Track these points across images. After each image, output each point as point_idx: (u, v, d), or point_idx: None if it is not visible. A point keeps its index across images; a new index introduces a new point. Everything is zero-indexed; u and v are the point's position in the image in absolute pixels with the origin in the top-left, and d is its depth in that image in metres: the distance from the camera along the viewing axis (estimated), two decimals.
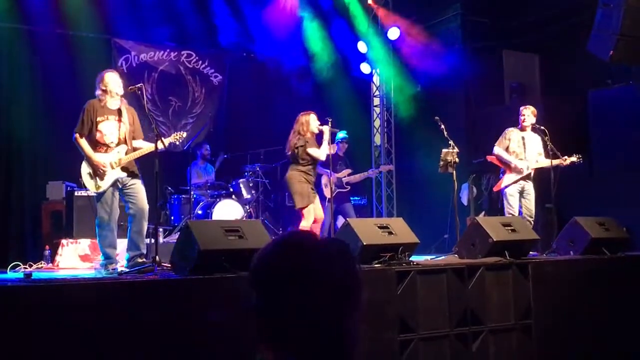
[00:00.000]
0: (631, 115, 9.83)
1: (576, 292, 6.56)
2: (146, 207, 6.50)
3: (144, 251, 6.51)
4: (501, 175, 8.75)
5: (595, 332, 6.54)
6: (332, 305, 1.45)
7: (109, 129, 6.50)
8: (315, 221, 7.98)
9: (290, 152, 8.08)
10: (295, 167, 8.02)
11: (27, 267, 7.26)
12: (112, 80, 6.55)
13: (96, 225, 6.47)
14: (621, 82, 10.13)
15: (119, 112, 6.58)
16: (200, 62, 11.75)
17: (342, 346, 1.47)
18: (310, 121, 8.00)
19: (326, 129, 7.99)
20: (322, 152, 7.93)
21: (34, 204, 9.66)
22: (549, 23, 11.05)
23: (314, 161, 8.01)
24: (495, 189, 8.72)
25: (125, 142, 6.59)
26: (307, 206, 7.85)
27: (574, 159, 8.47)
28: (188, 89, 11.64)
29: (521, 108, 8.82)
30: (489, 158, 8.88)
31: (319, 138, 8.10)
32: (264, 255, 1.52)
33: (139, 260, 6.31)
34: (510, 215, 8.22)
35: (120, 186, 6.51)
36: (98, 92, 6.56)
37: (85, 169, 6.45)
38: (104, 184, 6.41)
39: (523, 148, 8.63)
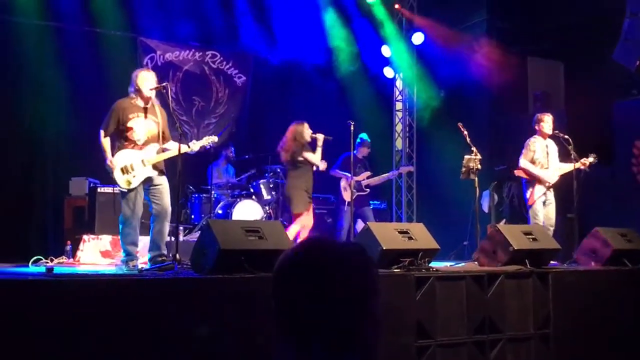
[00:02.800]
0: None
1: (596, 303, 6.50)
2: (169, 207, 6.54)
3: (165, 252, 6.55)
4: (525, 186, 8.65)
5: (614, 344, 6.48)
6: (351, 309, 1.48)
7: (139, 126, 6.53)
8: (303, 227, 8.36)
9: (288, 159, 8.50)
10: (294, 173, 8.48)
11: (48, 261, 7.31)
12: (146, 81, 6.57)
13: (119, 221, 6.51)
14: None
15: (151, 110, 6.62)
16: (225, 62, 11.80)
17: (362, 349, 1.48)
18: (304, 130, 8.44)
19: (320, 137, 8.39)
20: (316, 158, 8.37)
21: (57, 199, 9.73)
22: (575, 31, 10.97)
23: (310, 166, 8.38)
24: (530, 203, 8.57)
25: (158, 141, 6.62)
26: (302, 213, 8.29)
27: (590, 159, 8.38)
28: (212, 89, 11.70)
29: (541, 115, 8.72)
30: (517, 172, 8.74)
31: (312, 146, 8.54)
32: (285, 259, 1.55)
33: (159, 259, 6.34)
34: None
35: (146, 185, 6.56)
36: (131, 89, 6.60)
37: (118, 164, 6.49)
38: (135, 181, 6.43)
39: (547, 157, 8.55)
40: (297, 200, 8.37)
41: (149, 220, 6.63)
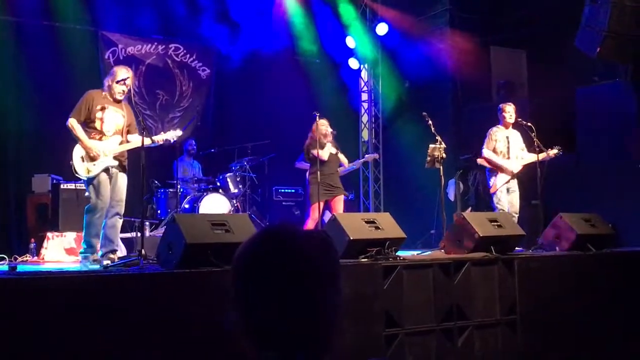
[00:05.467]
0: (617, 112, 9.87)
1: (561, 288, 6.59)
2: (123, 202, 6.57)
3: (117, 247, 6.54)
4: (488, 174, 8.78)
5: (580, 328, 6.57)
6: (311, 295, 1.44)
7: (108, 117, 6.57)
8: (315, 218, 8.54)
9: (305, 155, 8.81)
10: (310, 169, 8.75)
11: (12, 260, 7.20)
12: (120, 78, 6.59)
13: (85, 212, 6.47)
14: (608, 79, 10.17)
15: (119, 104, 6.66)
16: (188, 55, 11.70)
17: (323, 337, 1.46)
18: (318, 126, 8.50)
19: (329, 133, 8.59)
20: (323, 153, 8.49)
21: (20, 196, 9.60)
22: (537, 20, 11.08)
23: (319, 161, 8.41)
24: (492, 191, 8.70)
25: (121, 134, 6.64)
26: (312, 204, 8.51)
27: (555, 151, 8.48)
28: (175, 82, 11.60)
29: (503, 105, 8.80)
30: (479, 161, 8.90)
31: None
32: (244, 246, 1.51)
33: (111, 256, 6.34)
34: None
35: (111, 175, 6.52)
36: (106, 83, 6.65)
37: (77, 152, 6.48)
38: (95, 169, 6.43)
39: (507, 147, 8.67)
40: (310, 193, 8.64)
41: None
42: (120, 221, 6.59)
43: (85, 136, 6.47)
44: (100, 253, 6.47)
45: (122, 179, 6.61)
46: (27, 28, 9.90)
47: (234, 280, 1.49)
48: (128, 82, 6.66)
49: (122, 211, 6.55)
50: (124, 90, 6.64)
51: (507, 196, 8.57)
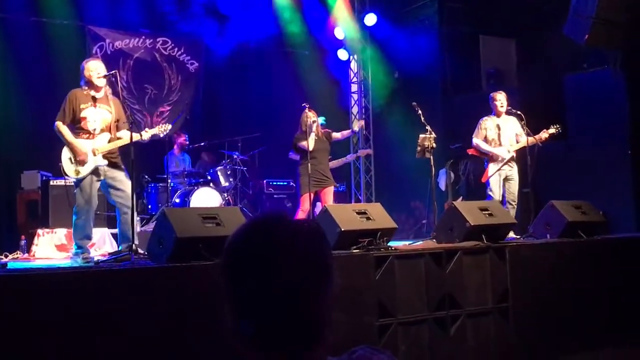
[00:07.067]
0: (607, 100, 9.88)
1: (553, 275, 6.60)
2: (128, 197, 6.44)
3: (132, 242, 6.45)
4: (485, 164, 8.79)
5: (571, 315, 6.60)
6: (302, 286, 1.42)
7: (92, 115, 6.47)
8: (305, 210, 8.63)
9: (293, 147, 8.83)
10: (300, 161, 8.71)
11: (2, 257, 7.19)
12: (93, 70, 6.48)
13: (73, 212, 6.41)
14: (597, 66, 10.18)
15: (104, 100, 6.55)
16: (176, 49, 11.65)
17: (316, 329, 1.44)
18: (303, 116, 8.54)
19: (315, 123, 8.58)
20: (308, 143, 8.36)
21: (9, 193, 9.55)
22: (525, 8, 11.08)
23: (306, 152, 8.38)
24: (482, 180, 8.73)
25: (109, 131, 6.55)
26: (302, 195, 8.61)
27: (552, 130, 8.49)
28: (164, 76, 11.55)
29: (494, 94, 8.82)
30: (470, 151, 8.94)
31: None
32: (233, 236, 1.49)
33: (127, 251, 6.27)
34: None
35: (103, 178, 6.46)
36: (82, 81, 6.53)
37: (65, 154, 6.40)
38: (84, 170, 6.36)
39: (498, 135, 8.68)
40: (300, 184, 8.69)
41: (104, 212, 6.54)
42: (129, 213, 6.37)
43: (73, 137, 6.40)
44: (119, 248, 6.45)
45: (119, 175, 6.52)
46: (13, 24, 9.86)
47: (222, 273, 1.47)
48: (100, 70, 6.51)
49: (129, 204, 6.33)
50: (99, 81, 6.48)
51: (500, 185, 8.56)
